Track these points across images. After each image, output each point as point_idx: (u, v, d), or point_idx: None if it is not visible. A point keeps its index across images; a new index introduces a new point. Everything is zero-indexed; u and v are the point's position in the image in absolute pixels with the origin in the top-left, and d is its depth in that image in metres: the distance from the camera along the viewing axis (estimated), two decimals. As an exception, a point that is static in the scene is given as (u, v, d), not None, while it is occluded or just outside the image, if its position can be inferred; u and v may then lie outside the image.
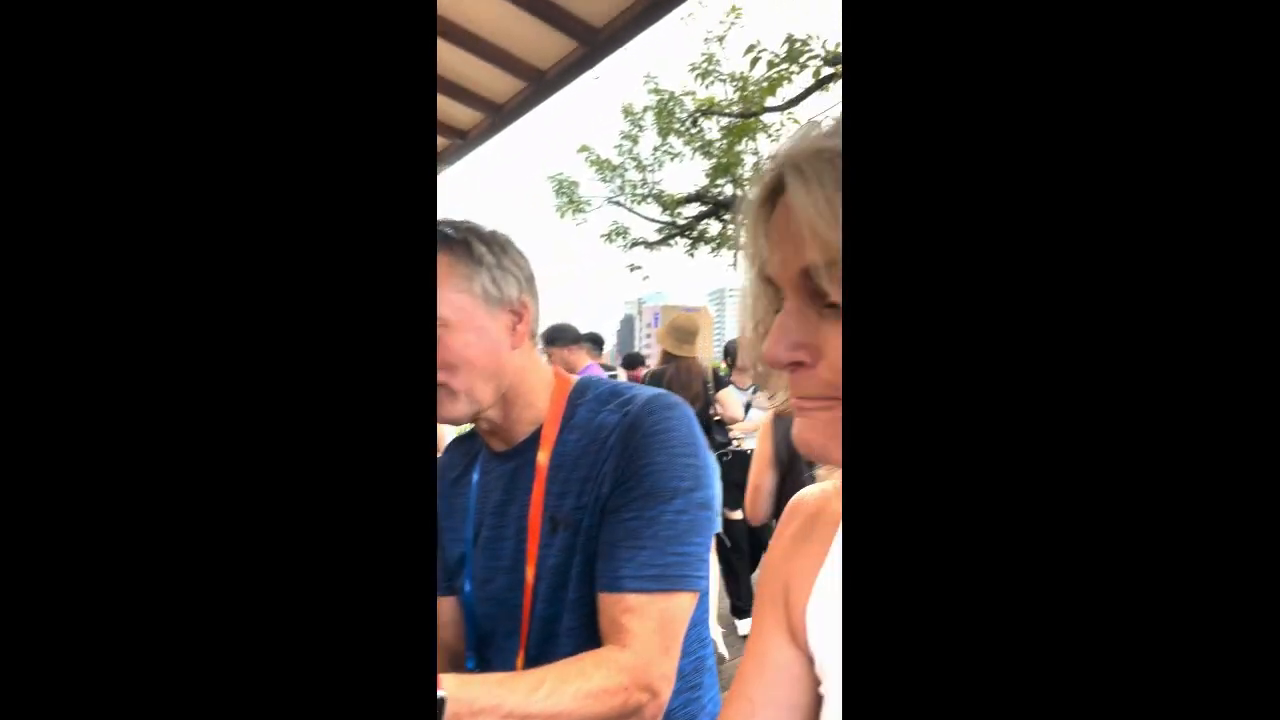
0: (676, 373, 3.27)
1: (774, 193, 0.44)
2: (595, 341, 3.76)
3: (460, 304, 0.74)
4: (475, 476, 0.87)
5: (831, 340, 0.40)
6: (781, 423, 1.80)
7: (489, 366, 0.76)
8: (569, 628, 0.75)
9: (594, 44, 1.89)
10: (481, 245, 0.77)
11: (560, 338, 3.34)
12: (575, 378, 0.86)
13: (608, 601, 0.71)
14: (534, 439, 0.81)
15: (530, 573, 0.77)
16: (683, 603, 0.72)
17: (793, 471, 1.82)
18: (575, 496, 0.76)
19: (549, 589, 0.77)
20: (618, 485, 0.74)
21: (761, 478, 1.86)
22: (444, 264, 0.74)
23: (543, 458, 0.79)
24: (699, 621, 0.79)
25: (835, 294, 0.39)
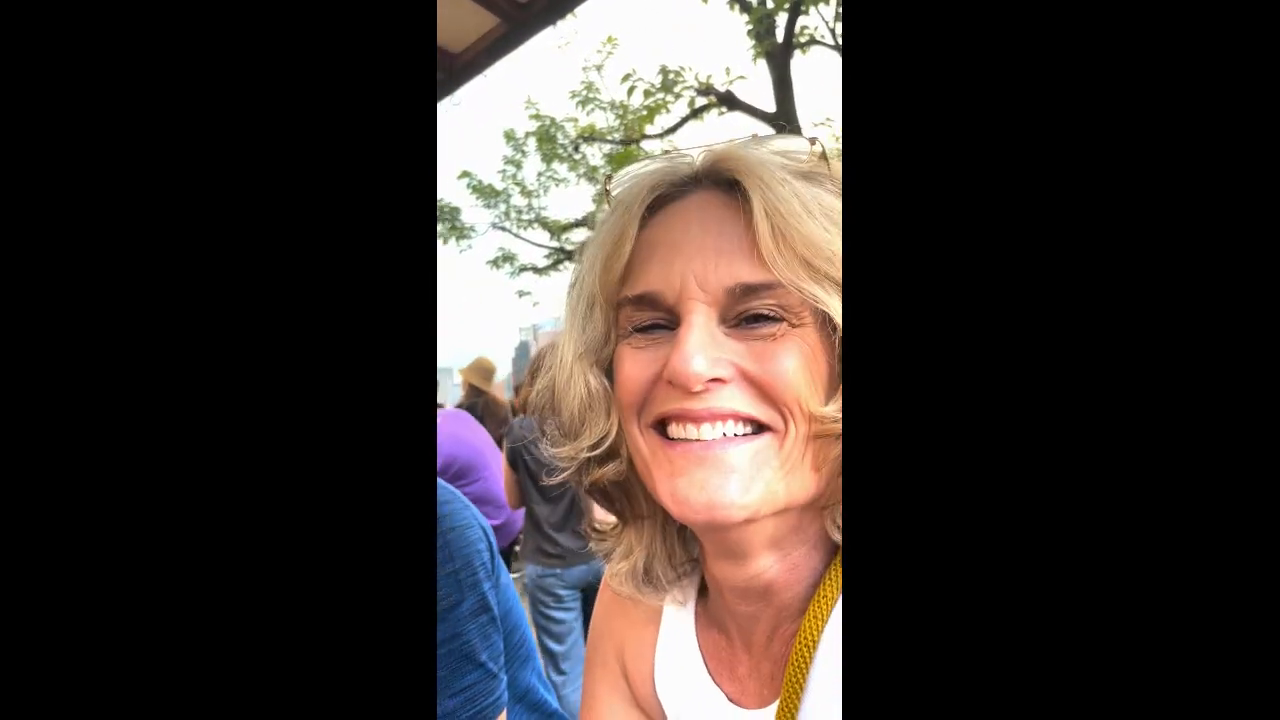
0: (487, 404, 3.69)
1: (664, 199, 0.41)
2: None
3: None
4: None
5: (751, 357, 0.37)
6: (512, 432, 2.58)
7: None
8: None
9: (451, 70, 1.84)
10: None
11: None
12: None
13: None
14: None
15: None
16: None
17: (517, 468, 2.56)
18: None
19: None
20: None
21: (509, 475, 2.65)
22: None
23: None
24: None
25: (830, 306, 0.37)
